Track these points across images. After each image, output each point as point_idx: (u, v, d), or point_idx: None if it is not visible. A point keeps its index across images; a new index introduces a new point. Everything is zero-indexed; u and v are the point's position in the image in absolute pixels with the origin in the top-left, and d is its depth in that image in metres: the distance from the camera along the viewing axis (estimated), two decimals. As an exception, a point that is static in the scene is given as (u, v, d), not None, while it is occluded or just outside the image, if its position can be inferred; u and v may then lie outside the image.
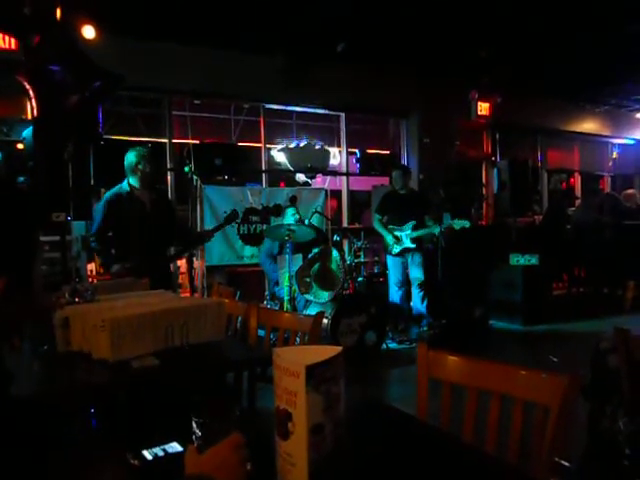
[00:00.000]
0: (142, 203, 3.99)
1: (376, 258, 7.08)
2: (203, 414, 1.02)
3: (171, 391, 1.88)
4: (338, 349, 1.00)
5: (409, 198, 5.99)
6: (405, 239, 5.81)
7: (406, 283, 5.98)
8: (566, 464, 0.90)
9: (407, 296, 6.02)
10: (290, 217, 5.39)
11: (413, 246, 5.81)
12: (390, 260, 6.02)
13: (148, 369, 1.89)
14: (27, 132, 4.50)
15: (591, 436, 1.81)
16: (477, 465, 1.21)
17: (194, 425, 1.01)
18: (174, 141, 6.70)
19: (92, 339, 1.95)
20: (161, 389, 1.89)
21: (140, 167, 3.97)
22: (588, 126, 10.44)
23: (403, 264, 5.94)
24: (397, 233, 5.84)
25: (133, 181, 4.00)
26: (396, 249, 5.86)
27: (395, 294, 6.00)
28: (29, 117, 4.89)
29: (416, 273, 5.88)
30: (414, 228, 5.77)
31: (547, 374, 1.37)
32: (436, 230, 5.73)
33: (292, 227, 4.92)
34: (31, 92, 4.34)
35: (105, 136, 5.26)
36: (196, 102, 7.10)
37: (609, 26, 6.23)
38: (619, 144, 11.38)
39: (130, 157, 4.01)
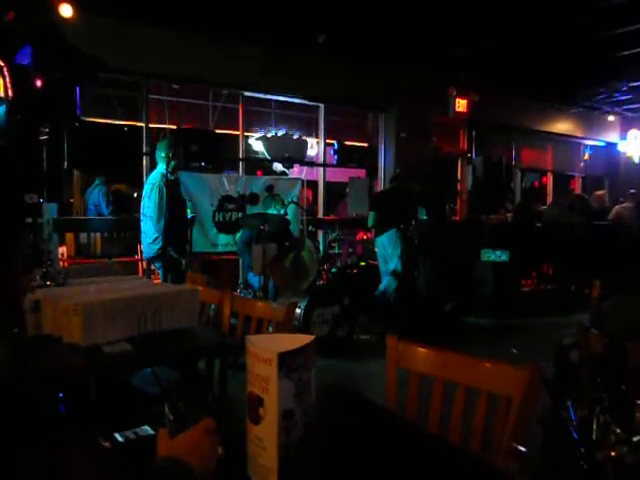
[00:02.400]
0: (176, 188, 4.39)
1: (350, 250, 7.11)
2: (175, 399, 1.04)
3: (143, 376, 1.88)
4: (310, 338, 1.02)
5: None
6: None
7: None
8: (523, 450, 0.94)
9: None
10: (272, 208, 5.50)
11: None
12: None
13: (120, 354, 1.89)
14: (-1, 110, 4.39)
15: (546, 426, 1.88)
16: (440, 453, 1.26)
17: (166, 409, 1.03)
18: (151, 125, 6.61)
19: (63, 323, 1.94)
20: (133, 374, 1.90)
21: (172, 156, 4.36)
22: (562, 127, 10.62)
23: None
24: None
25: (164, 168, 4.33)
26: None
27: (392, 283, 5.95)
28: (2, 95, 4.76)
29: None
30: None
31: (510, 366, 1.42)
32: None
33: (267, 216, 4.93)
34: (5, 70, 4.22)
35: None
36: (174, 87, 7.01)
37: (586, 30, 6.35)
38: (591, 146, 11.62)
39: (164, 146, 4.38)
